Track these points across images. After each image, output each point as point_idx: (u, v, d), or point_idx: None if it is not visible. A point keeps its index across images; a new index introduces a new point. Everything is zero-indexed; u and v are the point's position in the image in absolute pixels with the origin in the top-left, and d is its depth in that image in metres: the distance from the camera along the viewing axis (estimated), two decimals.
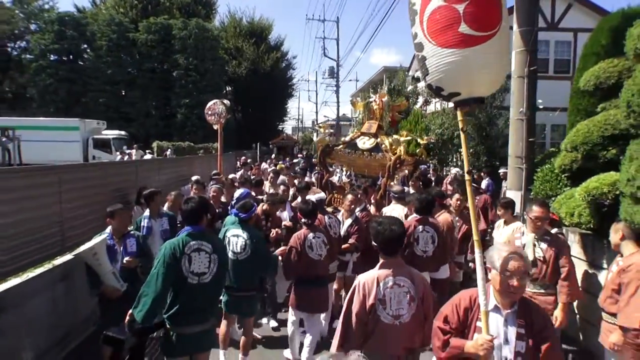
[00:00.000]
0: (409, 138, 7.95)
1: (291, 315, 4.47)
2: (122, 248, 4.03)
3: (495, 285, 2.23)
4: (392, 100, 14.69)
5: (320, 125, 17.68)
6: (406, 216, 5.32)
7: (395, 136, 7.90)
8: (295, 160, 19.25)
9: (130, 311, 3.02)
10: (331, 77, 35.13)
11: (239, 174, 11.18)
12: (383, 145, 7.80)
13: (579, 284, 4.18)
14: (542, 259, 3.89)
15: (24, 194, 4.26)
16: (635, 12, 5.44)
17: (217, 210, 5.87)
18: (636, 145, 3.64)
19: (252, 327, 4.40)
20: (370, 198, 6.88)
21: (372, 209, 6.35)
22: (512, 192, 6.67)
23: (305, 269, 4.24)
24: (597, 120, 5.01)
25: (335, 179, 8.81)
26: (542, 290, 3.94)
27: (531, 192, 6.21)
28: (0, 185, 3.95)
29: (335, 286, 5.27)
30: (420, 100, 18.66)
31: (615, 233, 3.47)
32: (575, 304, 4.52)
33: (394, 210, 5.60)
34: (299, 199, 6.18)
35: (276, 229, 5.20)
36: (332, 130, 28.95)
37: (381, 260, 2.77)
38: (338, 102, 32.16)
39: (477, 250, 2.37)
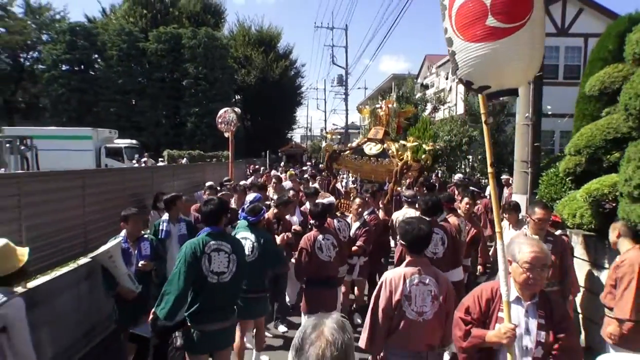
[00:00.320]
0: (415, 144, 8.07)
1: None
2: (136, 251, 4.12)
3: (516, 277, 2.26)
4: (400, 107, 14.88)
5: (328, 132, 17.88)
6: None
7: (401, 142, 8.04)
8: (304, 168, 19.45)
9: (153, 309, 3.14)
10: (340, 85, 35.20)
11: (249, 180, 11.32)
12: (390, 151, 7.95)
13: (582, 284, 4.29)
14: None
15: (51, 197, 4.51)
16: None
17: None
18: (634, 147, 3.78)
19: (263, 324, 4.51)
20: (378, 202, 6.95)
21: (380, 213, 6.48)
22: (518, 196, 6.72)
23: (316, 269, 4.31)
24: (600, 124, 5.05)
25: (341, 185, 8.90)
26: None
27: (536, 195, 6.28)
28: (30, 188, 4.17)
29: (342, 289, 5.34)
30: (429, 107, 18.83)
31: (613, 231, 3.61)
32: (578, 303, 4.63)
33: (406, 214, 5.63)
34: (308, 204, 6.23)
35: (286, 233, 5.19)
36: (339, 137, 29.16)
37: (408, 258, 2.89)
38: (347, 110, 32.24)
39: (498, 242, 2.42)
